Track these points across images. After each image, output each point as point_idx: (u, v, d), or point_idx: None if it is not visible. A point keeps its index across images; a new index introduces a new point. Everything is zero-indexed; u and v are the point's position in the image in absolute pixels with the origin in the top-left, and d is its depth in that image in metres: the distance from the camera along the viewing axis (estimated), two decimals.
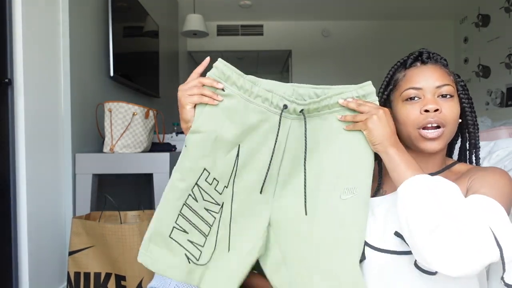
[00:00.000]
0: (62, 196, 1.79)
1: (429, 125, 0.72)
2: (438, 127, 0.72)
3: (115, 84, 2.35)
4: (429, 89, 0.73)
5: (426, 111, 0.72)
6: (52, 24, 1.73)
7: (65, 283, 1.76)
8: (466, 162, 0.83)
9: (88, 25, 2.02)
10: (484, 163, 1.77)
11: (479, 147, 0.79)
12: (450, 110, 0.72)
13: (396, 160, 0.68)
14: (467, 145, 0.82)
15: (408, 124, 0.74)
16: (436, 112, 0.71)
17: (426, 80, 0.74)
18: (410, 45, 5.20)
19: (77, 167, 1.82)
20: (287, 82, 0.79)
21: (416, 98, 0.74)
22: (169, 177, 0.76)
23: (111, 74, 2.17)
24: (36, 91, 1.60)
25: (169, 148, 2.08)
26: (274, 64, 6.44)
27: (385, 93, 0.82)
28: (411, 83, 0.75)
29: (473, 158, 0.81)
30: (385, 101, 0.83)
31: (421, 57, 0.77)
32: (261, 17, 5.07)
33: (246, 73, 0.76)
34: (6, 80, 1.44)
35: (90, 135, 2.00)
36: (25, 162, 1.51)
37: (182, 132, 2.54)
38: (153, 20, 3.06)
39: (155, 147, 2.06)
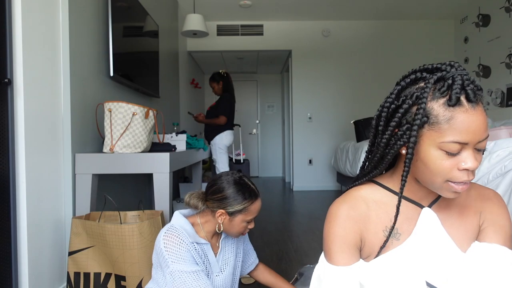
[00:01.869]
0: (62, 196, 1.79)
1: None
2: None
3: (115, 84, 2.35)
4: (473, 144, 0.65)
5: (466, 169, 0.65)
6: (52, 24, 1.73)
7: (65, 283, 1.76)
8: None
9: (88, 25, 2.02)
10: (484, 163, 1.77)
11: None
12: (479, 162, 0.66)
13: None
14: None
15: (438, 175, 0.67)
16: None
17: (474, 133, 0.64)
18: (410, 45, 5.22)
19: (77, 167, 1.82)
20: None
21: (456, 153, 0.65)
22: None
23: (111, 74, 2.17)
24: (36, 91, 1.60)
25: (169, 148, 2.08)
26: (274, 64, 6.44)
27: (418, 122, 0.66)
28: (457, 135, 0.64)
29: None
30: (399, 122, 0.70)
31: (466, 93, 0.64)
32: (261, 17, 5.07)
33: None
34: (6, 80, 1.44)
35: (90, 135, 2.00)
36: (25, 162, 1.51)
37: (182, 132, 2.54)
38: (153, 20, 3.06)
39: (155, 147, 2.06)
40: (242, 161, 4.40)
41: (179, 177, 4.06)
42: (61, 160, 1.79)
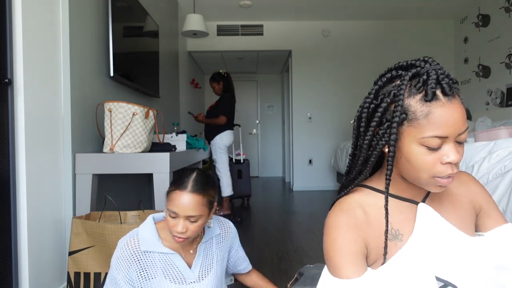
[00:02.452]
0: (62, 196, 1.79)
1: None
2: None
3: (115, 84, 2.35)
4: (453, 137, 0.65)
5: (449, 163, 0.65)
6: (52, 24, 1.73)
7: (65, 283, 1.76)
8: None
9: (88, 25, 2.02)
10: (484, 163, 1.77)
11: None
12: (462, 154, 0.66)
13: None
14: None
15: (422, 171, 0.67)
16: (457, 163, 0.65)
17: (453, 126, 0.64)
18: (410, 45, 5.22)
19: (77, 167, 1.82)
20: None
21: (437, 148, 0.66)
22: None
23: (111, 74, 2.18)
24: (36, 91, 1.60)
25: (169, 148, 2.08)
26: (274, 64, 6.44)
27: (397, 120, 0.67)
28: (436, 130, 0.64)
29: None
30: (393, 127, 0.68)
31: (441, 87, 0.65)
32: (261, 17, 5.07)
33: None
34: (6, 80, 1.44)
35: (90, 135, 2.00)
36: (25, 162, 1.51)
37: (182, 132, 2.54)
38: (153, 20, 3.06)
39: (155, 147, 2.06)
40: (242, 161, 4.40)
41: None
42: (61, 160, 1.79)
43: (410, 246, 0.71)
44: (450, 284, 0.65)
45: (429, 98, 0.64)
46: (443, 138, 0.64)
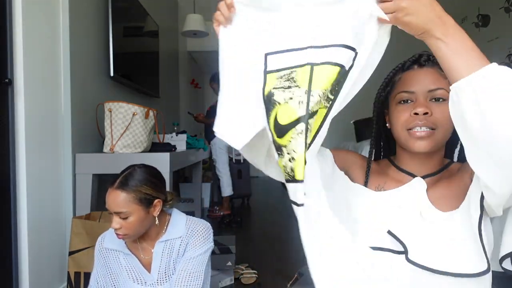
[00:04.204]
0: (62, 196, 1.79)
1: (418, 128, 0.73)
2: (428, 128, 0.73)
3: (115, 84, 2.35)
4: (421, 93, 0.74)
5: (416, 114, 0.72)
6: (52, 24, 1.73)
7: (65, 283, 1.76)
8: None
9: (88, 25, 2.02)
10: None
11: None
12: (442, 114, 0.71)
13: (457, 47, 0.61)
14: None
15: (398, 126, 0.76)
16: (426, 115, 0.72)
17: (419, 84, 0.74)
18: (410, 45, 5.20)
19: (77, 167, 1.82)
20: None
21: (408, 101, 0.75)
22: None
23: (111, 74, 2.18)
24: (36, 91, 1.60)
25: (169, 148, 2.08)
26: None
27: (383, 93, 0.83)
28: (404, 86, 0.76)
29: None
30: (383, 101, 0.84)
31: (419, 60, 0.77)
32: None
33: None
34: (6, 80, 1.44)
35: (90, 135, 2.00)
36: (25, 162, 1.51)
37: (182, 132, 2.54)
38: (153, 20, 3.06)
39: (155, 147, 2.06)
40: (242, 161, 4.40)
41: (179, 177, 4.06)
42: (61, 160, 1.79)
43: (383, 194, 0.78)
44: (399, 240, 0.69)
45: (405, 68, 0.78)
46: (411, 93, 0.75)
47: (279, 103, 0.61)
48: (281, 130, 0.60)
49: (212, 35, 5.14)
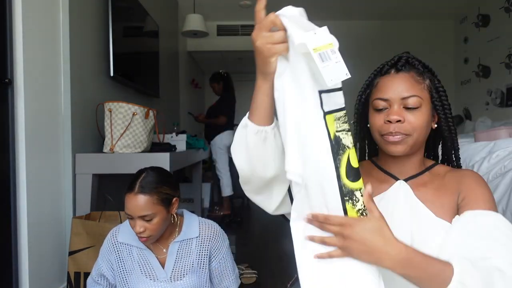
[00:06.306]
0: (62, 196, 1.79)
1: (391, 134, 0.75)
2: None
3: (115, 84, 2.35)
4: (395, 100, 0.75)
5: (389, 121, 0.75)
6: (52, 24, 1.73)
7: (65, 283, 1.76)
8: (449, 162, 0.86)
9: (88, 25, 2.02)
10: (484, 163, 1.77)
11: (458, 148, 0.83)
12: (414, 121, 0.74)
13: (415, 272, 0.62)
14: (447, 148, 0.85)
15: (374, 131, 0.79)
16: (399, 122, 0.74)
17: (394, 91, 0.75)
18: (410, 45, 5.21)
19: (77, 167, 1.82)
20: None
21: (383, 109, 0.77)
22: None
23: (111, 74, 2.18)
24: (36, 91, 1.60)
25: (169, 148, 2.08)
26: None
27: (363, 96, 0.85)
28: (380, 93, 0.77)
29: (453, 158, 0.85)
30: (364, 103, 0.85)
31: (396, 65, 0.78)
32: None
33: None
34: (6, 80, 1.45)
35: (90, 135, 2.00)
36: (25, 162, 1.51)
37: (182, 132, 2.54)
38: (153, 20, 3.06)
39: (155, 147, 2.06)
40: None
41: (179, 177, 4.06)
42: (61, 160, 1.79)
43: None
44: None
45: (383, 72, 0.79)
46: (386, 101, 0.76)
47: (348, 147, 0.61)
48: (356, 174, 0.61)
49: (212, 35, 5.15)
